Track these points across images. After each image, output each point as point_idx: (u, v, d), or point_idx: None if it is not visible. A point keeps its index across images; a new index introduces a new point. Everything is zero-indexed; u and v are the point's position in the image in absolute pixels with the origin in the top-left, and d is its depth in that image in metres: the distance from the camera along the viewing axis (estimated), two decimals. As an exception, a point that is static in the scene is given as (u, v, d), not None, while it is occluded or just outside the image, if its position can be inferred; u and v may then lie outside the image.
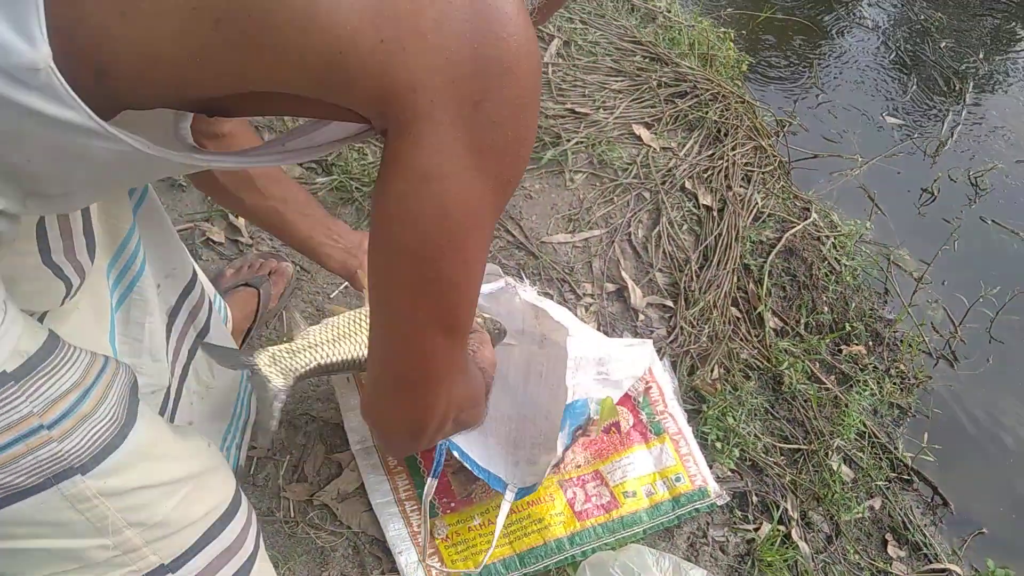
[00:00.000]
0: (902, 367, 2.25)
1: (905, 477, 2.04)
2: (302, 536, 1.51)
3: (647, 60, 2.40)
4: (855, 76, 3.28)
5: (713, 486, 1.69)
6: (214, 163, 0.83)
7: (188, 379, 1.25)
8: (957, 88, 3.26)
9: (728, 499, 1.70)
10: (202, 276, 1.30)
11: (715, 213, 2.11)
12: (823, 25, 3.52)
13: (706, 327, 1.91)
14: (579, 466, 1.66)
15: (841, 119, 3.08)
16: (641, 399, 1.75)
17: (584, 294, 1.91)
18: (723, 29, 3.00)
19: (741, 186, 2.21)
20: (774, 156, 2.40)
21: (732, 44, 2.96)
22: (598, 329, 1.87)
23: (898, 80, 3.28)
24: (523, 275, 1.91)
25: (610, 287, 1.94)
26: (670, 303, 1.95)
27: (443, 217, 0.68)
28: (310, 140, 0.81)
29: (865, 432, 2.02)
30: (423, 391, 0.82)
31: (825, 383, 2.01)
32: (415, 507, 1.54)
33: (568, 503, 1.60)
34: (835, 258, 2.25)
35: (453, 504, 1.57)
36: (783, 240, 2.13)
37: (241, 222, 1.86)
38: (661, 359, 1.82)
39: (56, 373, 0.73)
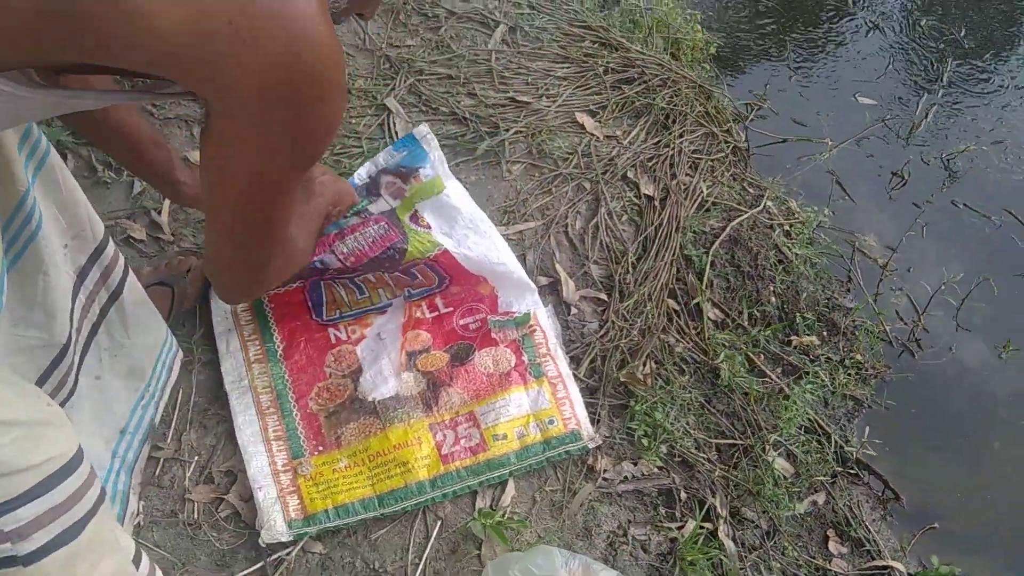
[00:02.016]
0: (859, 357, 2.19)
1: (852, 471, 1.99)
2: (203, 539, 1.49)
3: (596, 46, 2.35)
4: (829, 55, 3.20)
5: (587, 429, 1.69)
6: (75, 99, 0.88)
7: (99, 335, 1.35)
8: (935, 67, 3.16)
9: (600, 442, 1.70)
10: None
11: (656, 203, 2.06)
12: (796, 3, 3.43)
13: (639, 320, 1.86)
14: (453, 407, 1.68)
15: (812, 101, 3.00)
16: (524, 340, 1.77)
17: (515, 288, 1.87)
18: (690, 11, 2.93)
19: (687, 174, 2.15)
20: (727, 143, 2.34)
21: (699, 26, 2.90)
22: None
23: (874, 59, 3.19)
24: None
25: (543, 280, 1.90)
26: (604, 296, 1.91)
27: (248, 171, 0.87)
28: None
29: (813, 425, 1.97)
30: (245, 273, 1.09)
31: (769, 376, 1.96)
32: (281, 447, 1.59)
33: (436, 446, 1.63)
34: (786, 246, 2.20)
35: (321, 447, 1.61)
36: (727, 229, 2.08)
37: (164, 219, 1.83)
38: (546, 306, 1.84)
39: None
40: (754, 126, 2.81)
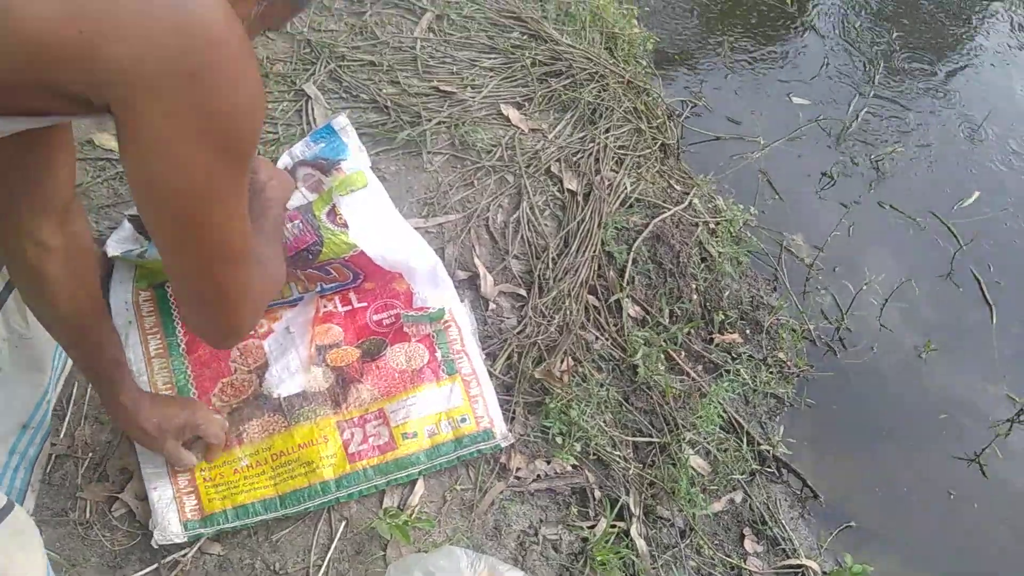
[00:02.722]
0: (781, 356, 2.20)
1: (770, 470, 1.99)
2: (95, 539, 1.43)
3: (525, 37, 2.31)
4: (765, 55, 3.21)
5: (500, 428, 1.65)
6: None
7: None
8: (867, 70, 3.19)
9: (514, 440, 1.66)
10: None
11: (580, 198, 2.03)
12: (735, 5, 3.44)
13: (557, 317, 1.83)
14: (363, 404, 1.62)
15: (747, 100, 3.01)
16: (438, 336, 1.72)
17: (432, 282, 1.83)
18: (627, 6, 2.91)
19: (612, 170, 2.13)
20: (655, 139, 2.32)
21: (636, 21, 2.88)
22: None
23: (809, 60, 3.21)
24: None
25: (462, 275, 1.87)
26: (523, 292, 1.87)
27: (182, 175, 0.79)
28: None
29: (731, 424, 1.97)
30: (226, 306, 0.96)
31: (689, 373, 1.95)
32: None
33: (343, 444, 1.57)
34: (710, 244, 2.19)
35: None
36: (650, 226, 2.06)
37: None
38: (462, 301, 1.80)
39: None
40: (688, 123, 2.81)
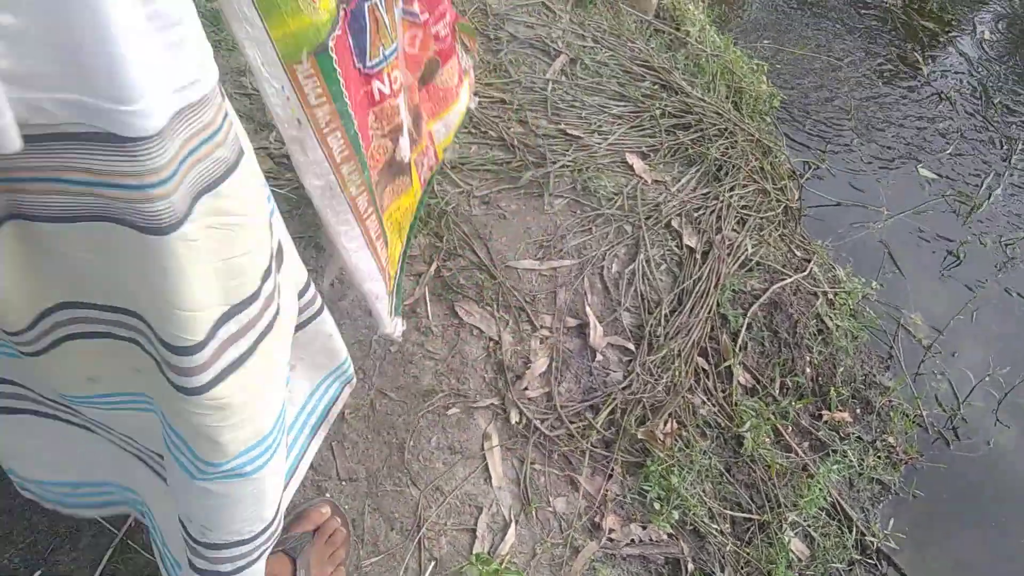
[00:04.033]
0: (891, 440, 2.10)
1: (871, 561, 1.89)
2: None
3: (656, 87, 2.28)
4: (895, 122, 3.11)
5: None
6: None
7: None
8: (1004, 148, 3.06)
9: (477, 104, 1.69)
10: None
11: (698, 256, 1.98)
12: (868, 68, 3.35)
13: (665, 376, 1.78)
14: (424, 134, 1.51)
15: (873, 167, 2.92)
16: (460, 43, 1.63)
17: (541, 326, 1.81)
18: (758, 61, 2.86)
19: (733, 230, 2.07)
20: (779, 201, 2.26)
21: (765, 77, 2.83)
22: (550, 364, 1.76)
23: (941, 132, 3.10)
24: (482, 297, 1.81)
25: (571, 322, 1.84)
26: (632, 346, 1.83)
27: None
28: None
29: (835, 507, 1.88)
30: None
31: (796, 450, 1.87)
32: (383, 247, 1.33)
33: (418, 177, 1.49)
34: (828, 316, 2.11)
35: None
36: (769, 292, 1.99)
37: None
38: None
39: None
40: (809, 185, 2.74)
